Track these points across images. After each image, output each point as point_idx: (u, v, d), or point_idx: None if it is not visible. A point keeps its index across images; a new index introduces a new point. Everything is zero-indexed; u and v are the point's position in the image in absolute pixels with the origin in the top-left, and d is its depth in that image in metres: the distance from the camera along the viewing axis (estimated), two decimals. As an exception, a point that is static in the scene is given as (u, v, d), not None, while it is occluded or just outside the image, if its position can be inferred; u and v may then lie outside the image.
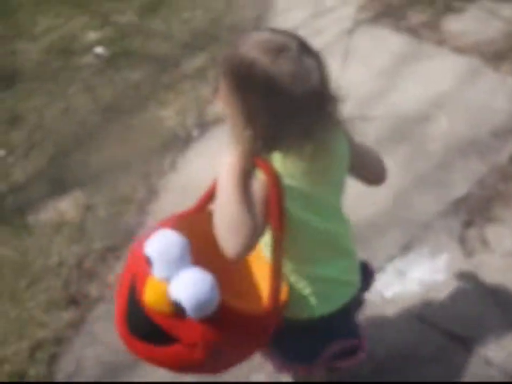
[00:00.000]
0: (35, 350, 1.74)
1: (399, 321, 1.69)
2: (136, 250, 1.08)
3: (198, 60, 2.82)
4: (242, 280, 1.22)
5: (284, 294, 1.12)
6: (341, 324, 1.22)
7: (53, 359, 1.72)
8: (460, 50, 2.72)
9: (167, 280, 0.99)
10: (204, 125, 2.47)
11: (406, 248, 1.87)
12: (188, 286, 0.97)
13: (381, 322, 1.69)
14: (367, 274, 1.28)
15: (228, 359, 1.13)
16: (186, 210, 1.20)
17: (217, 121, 2.43)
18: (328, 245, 1.14)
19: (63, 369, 1.69)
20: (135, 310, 1.04)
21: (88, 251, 2.00)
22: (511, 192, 2.03)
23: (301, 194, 1.05)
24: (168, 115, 2.55)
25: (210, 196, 1.18)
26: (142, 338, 1.07)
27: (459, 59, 2.66)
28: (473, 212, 1.97)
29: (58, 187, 2.26)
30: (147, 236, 1.05)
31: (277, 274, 1.08)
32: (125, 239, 2.02)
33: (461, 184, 2.07)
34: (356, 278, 1.22)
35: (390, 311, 1.71)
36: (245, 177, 1.00)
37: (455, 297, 1.73)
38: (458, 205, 2.00)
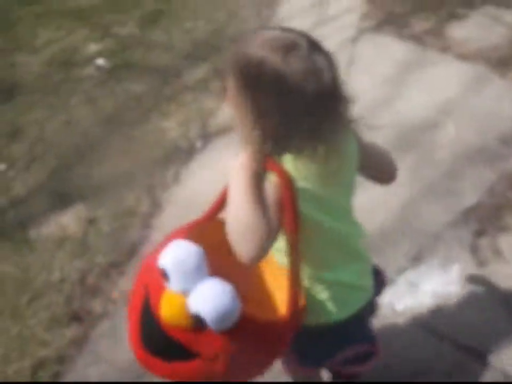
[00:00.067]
0: (37, 369, 1.70)
1: (411, 335, 1.64)
2: (149, 264, 1.05)
3: (200, 71, 2.80)
4: (255, 287, 1.19)
5: (301, 299, 1.09)
6: (356, 329, 1.20)
7: (56, 378, 1.67)
8: (464, 57, 2.70)
9: (184, 292, 0.96)
10: (207, 136, 2.44)
11: (417, 260, 1.83)
12: (208, 298, 0.94)
13: (393, 336, 1.64)
14: (378, 279, 1.25)
15: (248, 369, 1.10)
16: (196, 219, 1.17)
17: (221, 132, 2.41)
18: (340, 248, 1.12)
19: (66, 389, 1.65)
20: (150, 325, 1.01)
21: (91, 266, 1.97)
22: (522, 200, 1.99)
23: (313, 196, 1.03)
24: (171, 126, 2.52)
25: (220, 204, 1.15)
26: (159, 354, 1.03)
27: (464, 66, 2.64)
28: (484, 220, 1.93)
29: (60, 201, 2.23)
30: (159, 248, 1.02)
31: (295, 279, 1.05)
32: (128, 253, 1.99)
33: (470, 192, 2.03)
34: (369, 282, 1.20)
35: (402, 324, 1.67)
36: (257, 179, 0.97)
37: (469, 309, 1.68)
38: (468, 214, 1.96)
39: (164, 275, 0.97)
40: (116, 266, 1.95)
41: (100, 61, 2.97)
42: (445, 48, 2.78)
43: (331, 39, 2.83)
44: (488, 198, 2.00)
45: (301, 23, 2.99)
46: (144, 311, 1.03)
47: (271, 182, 0.99)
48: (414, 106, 2.43)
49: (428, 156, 2.21)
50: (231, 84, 0.97)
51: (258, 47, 0.93)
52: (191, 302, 0.95)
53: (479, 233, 1.89)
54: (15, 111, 2.72)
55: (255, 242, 0.94)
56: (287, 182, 0.98)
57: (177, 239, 1.01)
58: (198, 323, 0.95)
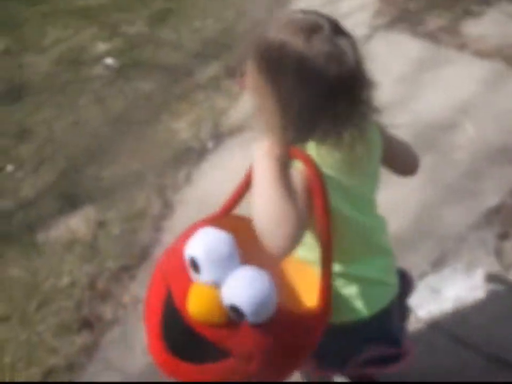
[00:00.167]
0: (47, 377, 1.65)
1: (434, 342, 1.58)
2: (168, 258, 0.98)
3: (211, 69, 2.75)
4: (279, 281, 1.13)
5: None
6: (382, 328, 1.14)
7: (66, 387, 1.63)
8: (481, 54, 2.64)
9: (214, 284, 0.88)
10: (219, 136, 2.39)
11: (439, 264, 1.77)
12: (245, 287, 0.86)
13: (415, 344, 1.58)
14: (404, 280, 1.21)
15: (280, 368, 1.01)
16: (212, 214, 1.12)
17: (233, 132, 2.36)
18: (365, 241, 1.08)
19: (76, 398, 1.60)
20: (175, 325, 0.93)
21: (101, 270, 1.92)
22: (546, 201, 1.93)
23: (340, 185, 0.99)
24: (182, 126, 2.47)
25: (237, 198, 1.10)
26: (186, 356, 0.94)
27: (482, 63, 2.58)
28: (507, 222, 1.87)
29: (69, 203, 2.19)
30: (181, 240, 0.96)
31: (327, 270, 0.99)
32: (139, 257, 1.94)
33: (492, 193, 1.97)
34: (393, 278, 1.15)
35: (424, 331, 1.61)
36: (283, 167, 0.92)
37: (494, 315, 1.62)
38: (491, 215, 1.90)
39: (193, 266, 0.89)
40: (127, 270, 1.91)
41: (109, 60, 2.92)
42: (461, 46, 2.71)
43: (344, 36, 2.79)
44: (511, 198, 1.94)
45: (313, 20, 2.94)
46: (166, 310, 0.95)
47: (297, 169, 0.95)
48: (431, 106, 2.37)
49: (446, 156, 2.15)
50: (251, 69, 0.93)
51: (280, 30, 0.90)
52: (225, 293, 0.87)
53: (504, 236, 1.82)
54: (23, 111, 2.68)
55: (287, 232, 0.88)
56: (314, 170, 0.93)
57: (203, 228, 0.94)
58: (234, 316, 0.87)
